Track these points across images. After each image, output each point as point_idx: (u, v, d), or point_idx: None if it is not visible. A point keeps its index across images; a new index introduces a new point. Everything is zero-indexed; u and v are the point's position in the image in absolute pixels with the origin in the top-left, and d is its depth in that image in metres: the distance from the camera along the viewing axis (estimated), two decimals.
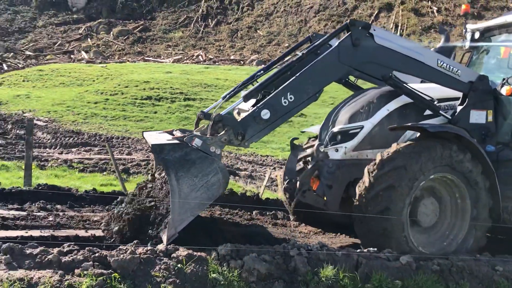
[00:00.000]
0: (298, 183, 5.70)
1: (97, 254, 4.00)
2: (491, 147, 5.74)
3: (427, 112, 5.74)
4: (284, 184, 6.02)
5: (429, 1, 34.62)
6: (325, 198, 5.59)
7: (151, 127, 18.64)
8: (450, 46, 6.82)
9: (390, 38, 5.47)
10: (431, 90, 5.80)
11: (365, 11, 35.81)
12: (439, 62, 5.57)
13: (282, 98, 5.00)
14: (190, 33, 40.28)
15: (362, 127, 5.66)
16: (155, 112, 20.76)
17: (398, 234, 4.95)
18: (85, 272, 3.81)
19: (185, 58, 35.59)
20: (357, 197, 5.12)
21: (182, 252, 4.20)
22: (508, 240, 6.06)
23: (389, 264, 4.54)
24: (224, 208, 7.08)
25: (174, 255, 4.16)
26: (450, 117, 5.69)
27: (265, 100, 5.06)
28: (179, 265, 4.06)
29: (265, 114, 4.92)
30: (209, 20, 41.71)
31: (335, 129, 5.81)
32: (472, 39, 6.75)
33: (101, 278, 3.78)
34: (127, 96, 22.56)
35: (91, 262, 3.94)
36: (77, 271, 3.84)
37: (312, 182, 5.74)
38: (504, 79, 5.87)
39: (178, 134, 5.28)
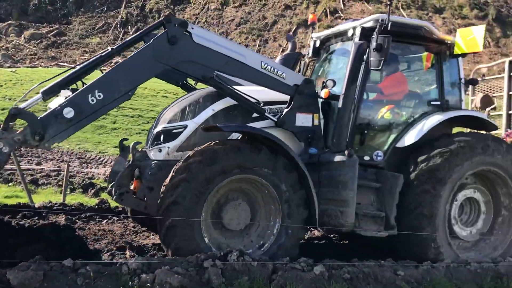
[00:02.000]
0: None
1: None
2: (314, 149, 5.79)
3: (256, 114, 5.69)
4: (108, 187, 5.77)
5: (344, 20, 36.25)
6: (146, 201, 5.30)
7: None
8: (296, 54, 6.87)
9: (210, 37, 5.36)
10: (260, 92, 5.77)
11: (284, 26, 36.72)
12: (263, 64, 5.55)
13: (89, 96, 4.73)
14: (109, 40, 39.03)
15: (185, 127, 5.52)
16: None
17: (190, 233, 4.77)
18: None
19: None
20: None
21: (91, 267, 4.00)
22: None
23: (303, 275, 4.59)
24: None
25: (81, 270, 3.94)
26: (276, 120, 5.69)
27: (69, 97, 4.74)
28: (87, 281, 3.86)
29: (68, 112, 4.62)
30: (129, 27, 40.76)
31: (158, 129, 5.65)
32: (314, 48, 6.88)
33: None
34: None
35: None
36: None
37: (135, 184, 5.54)
38: (323, 82, 5.94)
39: None
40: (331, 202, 5.41)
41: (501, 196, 6.18)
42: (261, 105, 5.73)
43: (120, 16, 40.90)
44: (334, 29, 6.60)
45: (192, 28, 5.18)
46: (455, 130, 6.63)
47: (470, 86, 8.95)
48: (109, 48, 5.40)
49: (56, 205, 7.85)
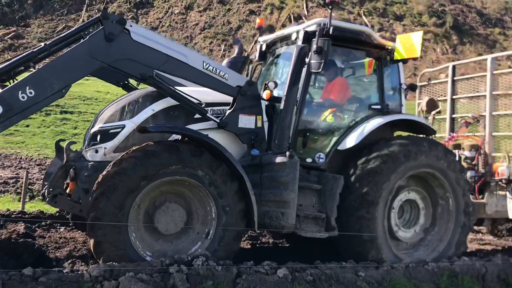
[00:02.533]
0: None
1: None
2: (256, 151, 5.79)
3: (198, 115, 5.65)
4: (42, 189, 5.62)
5: None
6: (81, 203, 5.15)
7: (22, 142, 17.28)
8: (243, 57, 6.90)
9: (149, 35, 5.29)
10: (203, 93, 5.74)
11: (249, 31, 36.95)
12: (204, 64, 5.52)
13: (20, 92, 4.59)
14: None
15: (123, 127, 5.40)
16: (27, 126, 19.30)
17: (119, 247, 4.68)
18: None
19: None
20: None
21: (52, 275, 3.93)
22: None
23: (267, 278, 4.62)
24: None
25: (42, 279, 3.88)
26: (218, 121, 5.66)
27: None
28: None
29: None
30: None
31: (95, 129, 5.53)
32: (260, 51, 6.95)
33: None
34: None
35: None
36: None
37: (71, 186, 5.41)
38: (265, 84, 5.94)
39: None
40: (273, 204, 5.37)
41: (435, 189, 6.39)
42: (203, 106, 5.68)
43: (81, 19, 40.16)
44: (279, 33, 6.70)
45: (131, 26, 5.13)
46: (399, 133, 6.82)
47: (418, 89, 9.32)
48: (42, 44, 5.25)
49: (15, 213, 7.66)
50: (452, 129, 8.67)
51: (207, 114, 5.65)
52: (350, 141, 6.05)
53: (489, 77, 8.14)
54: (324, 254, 5.82)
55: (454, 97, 8.83)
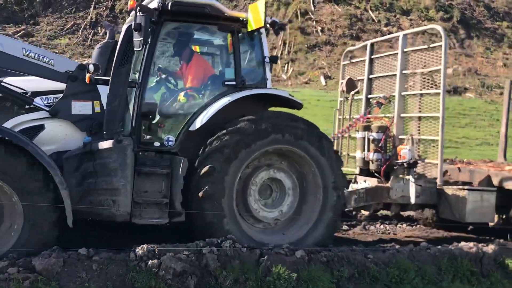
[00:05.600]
0: None
1: (21, 260, 4.24)
2: (87, 138, 5.55)
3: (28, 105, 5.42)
4: None
5: (314, 21, 37.16)
6: None
7: None
8: (113, 42, 6.57)
9: None
10: (32, 82, 5.51)
11: None
12: (25, 51, 5.34)
13: None
14: (78, 41, 38.89)
15: None
16: None
17: None
18: (11, 277, 4.05)
19: None
20: None
21: (103, 254, 4.58)
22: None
23: (286, 258, 5.23)
24: None
25: (95, 258, 4.52)
26: (48, 110, 5.44)
27: None
28: (101, 266, 4.44)
29: None
30: (98, 28, 40.65)
31: None
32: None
33: (28, 281, 4.05)
34: None
35: (16, 268, 4.17)
36: (2, 276, 4.06)
37: None
38: (86, 65, 5.72)
39: None
40: (105, 192, 5.18)
41: (301, 168, 6.19)
42: (29, 94, 5.45)
43: (89, 17, 40.75)
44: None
45: None
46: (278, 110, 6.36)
47: (341, 69, 9.23)
48: None
49: None
50: (369, 110, 8.36)
51: (34, 103, 5.42)
52: (199, 121, 5.75)
53: (400, 55, 7.78)
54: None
55: (370, 76, 8.52)
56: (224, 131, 5.67)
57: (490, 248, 6.41)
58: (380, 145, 7.61)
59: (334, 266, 5.41)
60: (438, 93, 7.32)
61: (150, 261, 4.62)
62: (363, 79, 8.74)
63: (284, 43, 35.25)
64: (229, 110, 5.84)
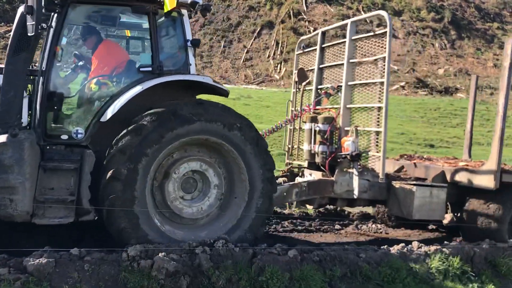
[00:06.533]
0: None
1: (12, 260, 4.21)
2: None
3: None
4: None
5: (306, 22, 37.25)
6: None
7: None
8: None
9: None
10: None
11: (248, 27, 37.40)
12: None
13: None
14: None
15: None
16: None
17: None
18: (2, 277, 4.02)
19: None
20: None
21: (95, 255, 4.56)
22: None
23: (279, 258, 5.24)
24: None
25: (87, 258, 4.50)
26: None
27: None
28: (92, 267, 4.42)
29: None
30: None
31: None
32: None
33: (19, 281, 4.02)
34: None
35: (7, 268, 4.15)
36: None
37: None
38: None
39: None
40: (1, 190, 4.81)
41: (227, 161, 5.77)
42: None
43: None
44: None
45: None
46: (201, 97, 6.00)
47: (295, 59, 8.94)
48: None
49: None
50: (318, 101, 8.02)
51: None
52: (110, 111, 5.35)
53: (348, 44, 7.46)
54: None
55: (321, 66, 8.21)
56: (125, 131, 5.24)
57: (480, 247, 6.46)
58: (325, 136, 7.31)
59: (327, 266, 5.42)
60: (383, 82, 6.85)
61: (142, 261, 4.61)
62: (312, 69, 8.42)
63: (277, 43, 35.33)
64: (147, 98, 5.45)
